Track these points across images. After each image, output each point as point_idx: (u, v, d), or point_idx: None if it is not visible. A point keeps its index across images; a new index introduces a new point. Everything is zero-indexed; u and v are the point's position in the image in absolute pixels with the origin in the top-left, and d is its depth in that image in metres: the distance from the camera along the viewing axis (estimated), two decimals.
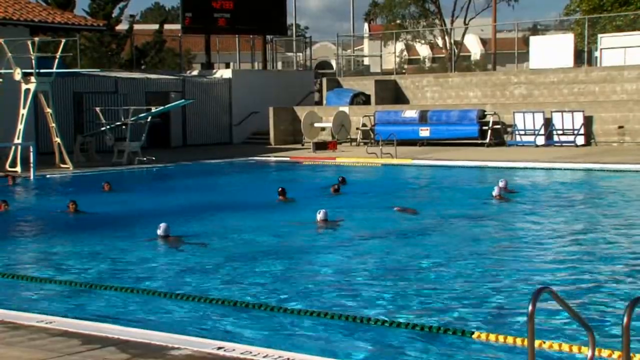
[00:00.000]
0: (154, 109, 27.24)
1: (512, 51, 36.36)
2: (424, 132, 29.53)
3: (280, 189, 16.32)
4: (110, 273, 10.26)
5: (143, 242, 12.22)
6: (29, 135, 24.79)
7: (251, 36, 39.02)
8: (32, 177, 21.44)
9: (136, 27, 44.86)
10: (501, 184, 16.85)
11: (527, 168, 22.25)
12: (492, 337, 6.89)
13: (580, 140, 27.09)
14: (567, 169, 21.64)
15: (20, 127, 23.74)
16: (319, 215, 13.25)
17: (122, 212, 15.84)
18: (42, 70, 24.01)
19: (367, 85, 34.99)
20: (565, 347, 6.56)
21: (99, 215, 15.25)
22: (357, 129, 31.43)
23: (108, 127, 26.57)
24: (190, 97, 31.75)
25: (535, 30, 49.29)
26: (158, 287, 9.26)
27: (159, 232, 12.05)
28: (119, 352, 6.15)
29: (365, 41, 62.79)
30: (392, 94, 34.81)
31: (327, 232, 13.04)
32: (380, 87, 34.64)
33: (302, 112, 32.49)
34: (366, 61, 54.58)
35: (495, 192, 16.01)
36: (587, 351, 5.55)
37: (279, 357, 6.00)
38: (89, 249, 11.88)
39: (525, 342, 6.38)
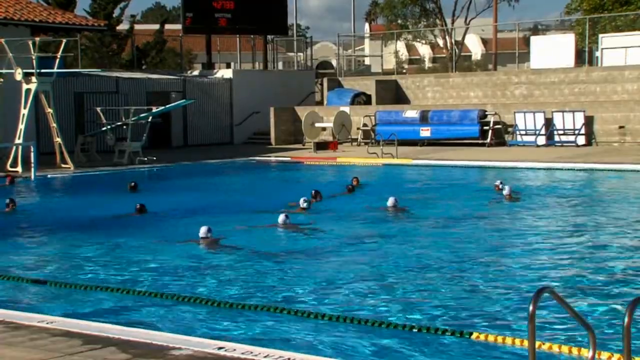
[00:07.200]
0: (154, 109, 27.24)
1: (513, 51, 36.35)
2: (425, 132, 29.53)
3: (314, 191, 16.01)
4: (123, 275, 10.27)
5: (178, 244, 12.16)
6: (30, 135, 24.81)
7: (252, 36, 39.02)
8: (32, 177, 21.45)
9: (137, 27, 44.91)
10: (501, 186, 16.87)
11: (528, 168, 22.25)
12: (491, 337, 6.89)
13: (581, 140, 27.09)
14: (568, 169, 21.64)
15: (21, 127, 23.74)
16: (280, 219, 13.16)
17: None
18: (43, 70, 24.01)
19: (367, 85, 34.99)
20: (566, 348, 6.56)
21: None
22: (358, 129, 31.42)
23: (109, 127, 26.57)
24: (191, 97, 31.76)
25: (536, 30, 49.34)
26: (171, 288, 9.23)
27: (200, 234, 11.97)
28: (120, 352, 6.15)
29: (366, 41, 62.83)
30: (393, 94, 34.81)
31: (316, 233, 12.98)
32: (381, 87, 34.64)
33: (303, 112, 32.49)
34: (367, 61, 54.61)
35: (506, 192, 16.09)
36: (587, 352, 5.55)
37: (280, 357, 6.00)
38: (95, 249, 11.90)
39: (525, 343, 6.38)
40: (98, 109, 27.54)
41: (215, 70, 35.99)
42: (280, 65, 47.14)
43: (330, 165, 25.27)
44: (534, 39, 34.77)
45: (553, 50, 32.11)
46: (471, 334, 7.02)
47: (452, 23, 51.81)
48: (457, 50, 43.91)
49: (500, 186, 16.91)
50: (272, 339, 7.10)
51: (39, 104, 25.12)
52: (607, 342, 6.64)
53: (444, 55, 54.38)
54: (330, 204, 15.83)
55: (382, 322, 7.45)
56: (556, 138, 27.58)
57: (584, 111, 27.06)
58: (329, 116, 31.73)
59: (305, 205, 14.75)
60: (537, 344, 6.08)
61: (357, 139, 31.16)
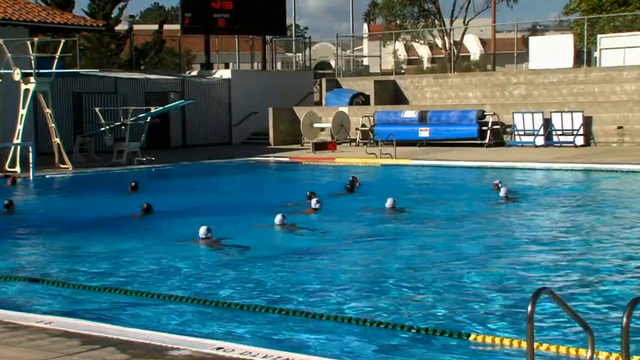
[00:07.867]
0: (153, 109, 27.23)
1: (512, 51, 36.36)
2: (424, 133, 29.53)
3: (309, 192, 15.92)
4: (117, 273, 10.27)
5: (177, 244, 12.15)
6: (29, 135, 24.79)
7: (251, 36, 39.02)
8: (31, 177, 21.44)
9: (135, 27, 44.87)
10: (500, 185, 16.88)
11: (526, 168, 22.26)
12: (488, 339, 6.88)
13: (580, 140, 27.09)
14: (567, 170, 21.65)
15: (20, 127, 23.73)
16: (277, 219, 13.17)
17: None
18: (41, 71, 24.00)
19: (366, 86, 34.98)
20: (564, 349, 6.56)
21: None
22: (357, 129, 31.42)
23: (107, 127, 26.57)
24: (189, 98, 31.73)
25: (535, 30, 49.35)
26: (171, 289, 9.23)
27: (200, 234, 11.96)
28: (119, 353, 6.15)
29: (365, 41, 62.82)
30: (391, 94, 34.80)
31: (314, 233, 12.97)
32: (380, 87, 34.64)
33: (301, 112, 32.49)
34: (365, 61, 54.57)
35: (502, 193, 16.11)
36: (586, 352, 5.55)
37: (279, 357, 6.01)
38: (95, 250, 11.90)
39: (523, 344, 6.38)
40: (97, 109, 27.52)
41: (213, 71, 35.97)
42: (278, 66, 47.11)
43: (329, 165, 25.27)
44: (532, 40, 34.78)
45: (552, 51, 32.12)
46: (469, 335, 7.02)
47: (451, 23, 51.76)
48: (455, 51, 43.95)
49: (500, 186, 16.92)
50: (271, 340, 7.10)
51: (38, 104, 25.11)
52: (605, 342, 6.65)
53: (443, 56, 54.32)
54: (328, 205, 15.82)
55: (380, 322, 7.45)
56: (555, 138, 27.59)
57: (582, 112, 27.07)
58: (328, 116, 31.73)
59: (317, 206, 14.71)
60: (536, 344, 6.08)
61: (355, 139, 31.16)
